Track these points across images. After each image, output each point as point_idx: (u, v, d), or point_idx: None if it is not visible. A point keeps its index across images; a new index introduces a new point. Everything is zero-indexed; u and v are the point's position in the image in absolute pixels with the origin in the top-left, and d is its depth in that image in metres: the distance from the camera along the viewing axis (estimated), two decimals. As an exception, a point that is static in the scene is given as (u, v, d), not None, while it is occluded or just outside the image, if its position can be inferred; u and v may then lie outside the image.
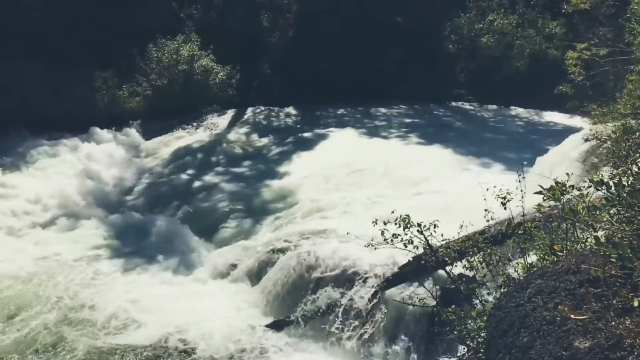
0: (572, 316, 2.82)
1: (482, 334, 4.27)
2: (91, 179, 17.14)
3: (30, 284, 11.51)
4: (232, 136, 21.93)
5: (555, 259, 3.79)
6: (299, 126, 22.94)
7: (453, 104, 27.63)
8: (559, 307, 2.91)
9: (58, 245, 13.40)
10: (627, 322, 2.66)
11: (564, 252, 3.93)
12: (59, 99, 21.39)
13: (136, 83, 24.24)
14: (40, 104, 21.01)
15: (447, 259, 5.64)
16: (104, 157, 19.12)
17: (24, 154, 18.40)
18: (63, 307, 10.68)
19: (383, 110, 25.40)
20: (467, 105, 27.68)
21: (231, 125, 23.49)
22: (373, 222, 5.52)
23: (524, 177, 5.13)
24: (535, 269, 3.87)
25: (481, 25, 30.32)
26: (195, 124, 23.44)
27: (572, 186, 4.04)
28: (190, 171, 18.38)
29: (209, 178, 17.48)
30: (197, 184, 17.27)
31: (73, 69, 22.18)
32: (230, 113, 24.59)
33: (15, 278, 11.68)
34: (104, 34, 22.90)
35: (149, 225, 14.16)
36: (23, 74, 21.01)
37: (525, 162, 6.27)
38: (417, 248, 5.51)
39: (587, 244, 3.92)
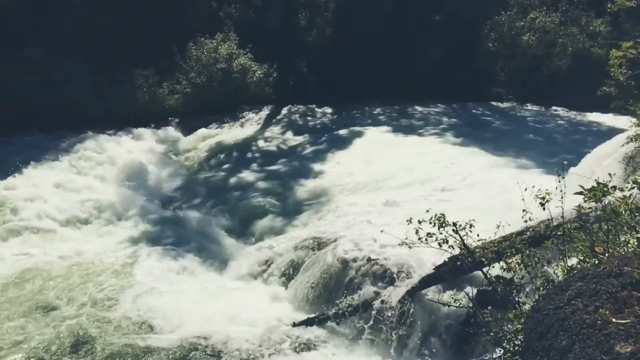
0: (614, 320, 2.74)
1: (519, 337, 4.20)
2: (130, 175, 17.55)
3: (61, 280, 11.59)
4: (268, 134, 22.11)
5: (596, 262, 3.70)
6: (334, 125, 22.95)
7: (492, 103, 27.15)
8: (600, 310, 2.83)
9: (93, 241, 13.67)
10: (671, 327, 2.58)
11: (606, 254, 3.82)
12: (101, 97, 22.02)
13: (176, 81, 24.72)
14: (83, 101, 21.67)
15: (483, 259, 5.56)
16: (143, 154, 19.58)
17: (65, 151, 18.93)
18: (92, 306, 10.67)
19: (420, 109, 25.17)
20: (506, 105, 27.17)
21: (267, 123, 23.70)
22: (407, 220, 5.48)
23: (564, 178, 5.01)
24: (575, 271, 3.78)
25: (522, 23, 29.74)
26: (232, 121, 23.76)
27: (615, 187, 3.93)
28: (226, 168, 18.62)
29: (244, 175, 17.67)
30: (232, 180, 17.47)
31: (115, 67, 22.77)
32: (267, 111, 24.82)
33: (47, 274, 11.78)
34: (145, 33, 23.43)
35: (184, 222, 14.41)
36: (66, 72, 21.71)
37: (565, 162, 6.12)
38: (453, 248, 5.45)
39: (629, 246, 3.81)
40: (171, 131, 22.65)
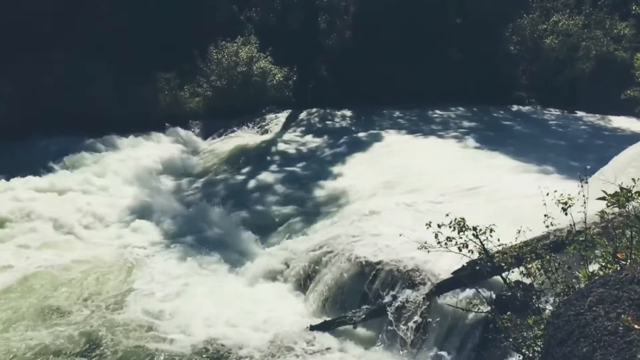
0: (636, 327, 2.70)
1: (539, 343, 4.15)
2: (150, 177, 17.73)
3: (76, 283, 11.55)
4: (287, 137, 22.17)
5: (619, 268, 3.65)
6: (353, 128, 22.93)
7: (514, 107, 26.91)
8: (622, 317, 2.79)
9: (110, 243, 13.66)
10: (696, 335, 2.53)
11: (628, 260, 3.77)
12: (124, 99, 22.30)
13: (197, 84, 24.96)
14: (106, 103, 21.99)
15: (503, 264, 5.51)
16: (164, 156, 19.77)
17: (86, 153, 19.22)
18: (105, 309, 10.58)
19: (440, 112, 25.02)
20: (528, 108, 26.90)
21: (287, 126, 23.78)
22: (427, 224, 5.45)
23: (586, 182, 4.94)
24: (596, 277, 3.73)
25: (545, 26, 29.44)
26: (252, 124, 23.90)
27: (639, 193, 3.87)
28: (245, 171, 18.71)
29: (263, 178, 17.72)
30: (251, 183, 17.55)
31: (137, 70, 23.06)
32: (286, 114, 24.89)
33: (62, 278, 11.73)
34: (168, 37, 23.70)
35: (202, 224, 14.43)
36: (90, 75, 22.03)
37: (588, 167, 6.04)
38: (472, 252, 5.41)
39: (654, 253, 3.74)
40: (191, 134, 22.87)
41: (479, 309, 6.28)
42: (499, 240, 5.42)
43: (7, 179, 16.78)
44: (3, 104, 21.25)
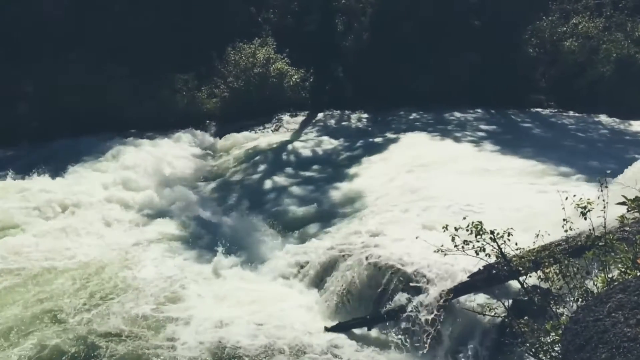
0: (656, 334, 2.66)
1: (556, 348, 4.12)
2: (166, 178, 17.84)
3: (80, 284, 11.48)
4: (303, 138, 22.19)
5: (638, 274, 3.61)
6: (370, 130, 22.90)
7: (532, 110, 26.66)
8: (642, 324, 2.76)
9: (123, 243, 13.60)
10: None
11: (649, 266, 3.72)
12: (142, 100, 22.53)
13: (214, 85, 25.11)
14: (124, 103, 22.22)
15: (520, 269, 5.46)
16: (181, 157, 19.91)
17: (106, 152, 19.37)
18: (106, 310, 10.45)
19: (457, 115, 24.88)
20: (547, 112, 26.63)
21: (303, 127, 23.81)
22: (443, 227, 5.43)
23: (606, 187, 4.89)
24: (616, 283, 3.68)
25: (564, 28, 29.09)
26: (268, 125, 23.96)
27: (660, 198, 3.82)
28: (261, 171, 18.76)
29: (279, 179, 17.75)
30: (267, 184, 17.58)
31: (156, 71, 23.29)
32: (303, 115, 24.93)
33: (67, 279, 11.69)
34: (186, 38, 23.92)
35: (217, 224, 14.49)
36: (109, 76, 22.29)
37: (608, 171, 5.96)
38: (489, 256, 5.37)
39: (675, 259, 3.69)
40: (208, 134, 22.99)
41: (495, 313, 6.22)
42: (516, 244, 5.37)
43: (23, 178, 17.01)
44: (23, 104, 21.62)
